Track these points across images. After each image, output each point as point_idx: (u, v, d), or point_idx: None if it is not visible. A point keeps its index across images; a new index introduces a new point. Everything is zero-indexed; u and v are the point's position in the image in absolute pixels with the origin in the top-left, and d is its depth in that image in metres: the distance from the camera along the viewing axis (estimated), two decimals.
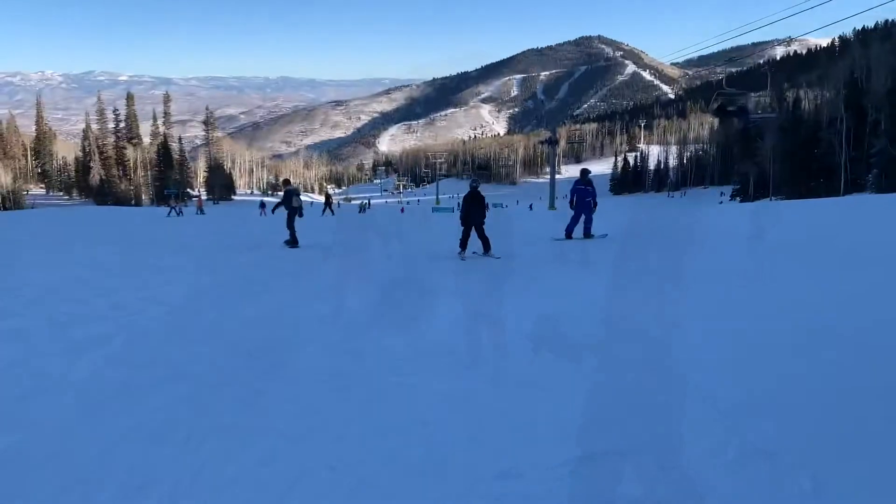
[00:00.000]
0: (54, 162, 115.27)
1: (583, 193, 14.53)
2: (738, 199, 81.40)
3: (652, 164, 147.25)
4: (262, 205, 47.49)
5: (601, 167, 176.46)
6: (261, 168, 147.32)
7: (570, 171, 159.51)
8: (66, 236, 22.27)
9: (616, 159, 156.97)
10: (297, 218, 15.37)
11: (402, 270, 11.41)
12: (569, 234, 14.65)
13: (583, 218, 14.71)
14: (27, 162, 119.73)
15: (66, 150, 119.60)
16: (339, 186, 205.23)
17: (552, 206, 49.22)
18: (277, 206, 15.64)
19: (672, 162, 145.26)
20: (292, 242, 15.13)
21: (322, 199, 66.20)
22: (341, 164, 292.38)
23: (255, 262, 13.18)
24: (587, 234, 14.87)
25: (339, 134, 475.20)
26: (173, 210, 42.60)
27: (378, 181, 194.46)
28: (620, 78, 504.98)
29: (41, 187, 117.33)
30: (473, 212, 11.96)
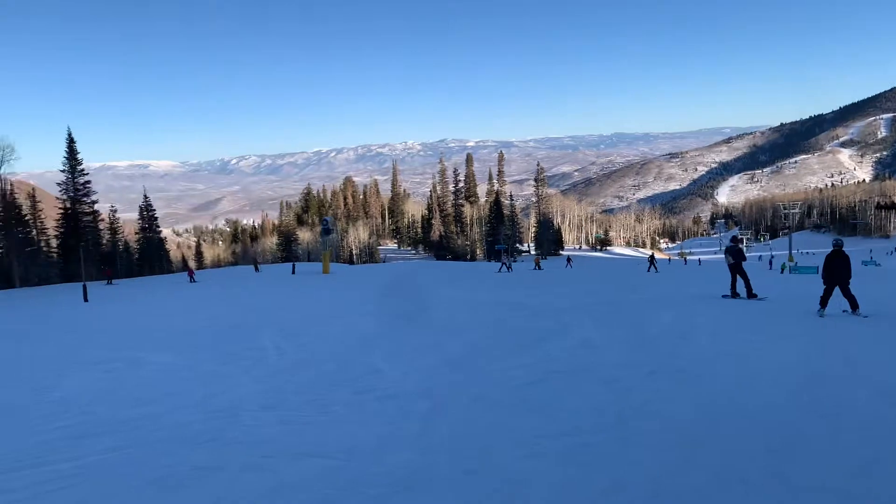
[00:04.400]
0: (405, 220, 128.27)
1: None
2: None
3: None
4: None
5: None
6: (589, 222, 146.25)
7: None
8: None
9: None
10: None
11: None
12: None
13: None
14: (384, 220, 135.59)
15: (415, 210, 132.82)
16: (671, 240, 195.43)
17: None
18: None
19: None
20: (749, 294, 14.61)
21: (648, 253, 60.96)
22: (675, 216, 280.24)
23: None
24: None
25: (673, 186, 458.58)
26: (504, 265, 42.86)
27: (716, 234, 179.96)
28: None
29: (394, 243, 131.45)
30: (837, 270, 11.52)
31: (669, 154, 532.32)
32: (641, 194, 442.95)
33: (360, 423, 5.60)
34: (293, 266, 50.93)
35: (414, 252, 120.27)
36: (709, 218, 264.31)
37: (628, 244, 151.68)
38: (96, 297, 29.94)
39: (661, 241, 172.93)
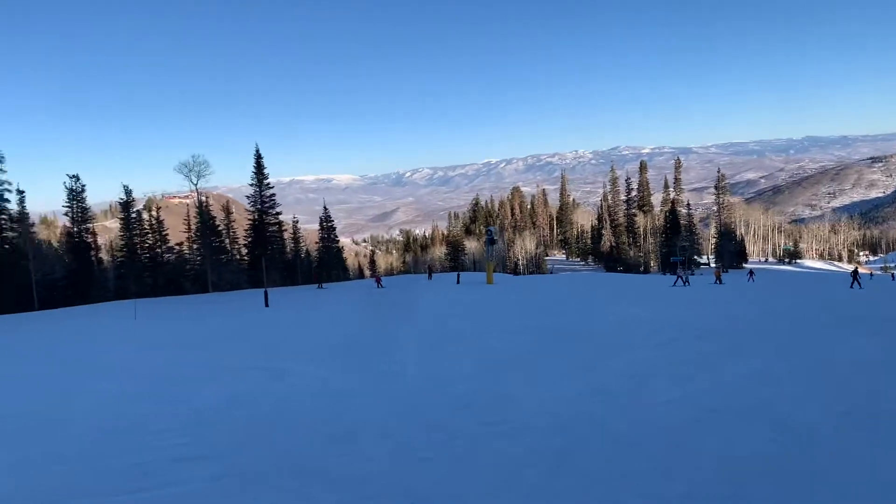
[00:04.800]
0: (574, 230, 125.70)
1: None
2: None
3: None
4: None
5: None
6: (776, 233, 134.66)
7: None
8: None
9: None
10: None
11: None
12: None
13: None
14: (551, 231, 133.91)
15: (584, 220, 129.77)
16: (873, 253, 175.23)
17: None
18: None
19: None
20: None
21: (851, 268, 54.14)
22: (877, 227, 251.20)
23: None
24: None
25: (875, 194, 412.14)
26: (679, 279, 39.96)
27: None
28: None
29: (562, 253, 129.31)
30: None
31: (871, 158, 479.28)
32: (837, 202, 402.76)
33: (475, 465, 4.76)
34: (458, 276, 51.16)
35: (583, 263, 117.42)
36: None
37: (821, 257, 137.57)
38: (277, 303, 31.73)
39: (861, 253, 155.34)
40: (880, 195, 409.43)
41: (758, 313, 16.68)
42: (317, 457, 5.31)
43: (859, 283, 38.12)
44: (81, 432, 6.52)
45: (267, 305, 30.46)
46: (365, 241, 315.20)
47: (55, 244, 57.10)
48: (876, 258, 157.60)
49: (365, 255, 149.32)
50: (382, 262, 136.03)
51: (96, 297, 50.58)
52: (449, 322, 17.22)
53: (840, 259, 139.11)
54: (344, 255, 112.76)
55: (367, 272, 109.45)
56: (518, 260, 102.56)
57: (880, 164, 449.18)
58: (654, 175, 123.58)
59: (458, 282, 46.68)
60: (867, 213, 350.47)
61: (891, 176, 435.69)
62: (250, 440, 5.88)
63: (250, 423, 6.52)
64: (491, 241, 52.66)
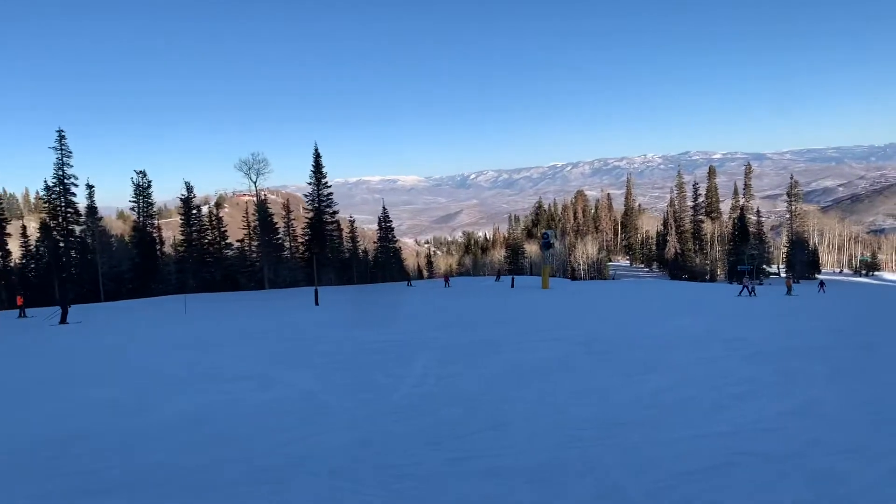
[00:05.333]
0: (638, 236, 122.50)
1: None
2: None
3: None
4: None
5: None
6: (853, 244, 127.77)
7: None
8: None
9: None
10: None
11: None
12: None
13: None
14: (615, 236, 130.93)
15: (649, 225, 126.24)
16: None
17: None
18: None
19: None
20: None
21: None
22: None
23: None
24: None
25: None
26: (745, 289, 37.93)
27: None
28: None
29: (626, 259, 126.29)
30: None
31: None
32: None
33: None
34: (512, 279, 50.11)
35: (647, 270, 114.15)
36: None
37: None
38: (328, 302, 31.48)
39: None
40: None
41: (822, 331, 15.00)
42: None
43: None
44: None
45: (317, 304, 30.20)
46: (427, 242, 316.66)
47: (126, 238, 58.68)
48: None
49: (425, 256, 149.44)
50: (442, 263, 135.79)
51: (158, 291, 51.73)
52: (481, 328, 16.23)
53: None
54: (403, 256, 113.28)
55: (426, 273, 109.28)
56: (579, 265, 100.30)
57: None
58: (725, 181, 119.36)
59: (512, 286, 45.77)
60: None
61: None
62: (167, 471, 5.04)
63: (183, 449, 5.66)
64: (547, 245, 51.42)
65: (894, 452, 4.88)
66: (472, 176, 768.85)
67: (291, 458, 5.25)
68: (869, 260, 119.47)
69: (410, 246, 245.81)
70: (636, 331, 14.74)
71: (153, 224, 58.11)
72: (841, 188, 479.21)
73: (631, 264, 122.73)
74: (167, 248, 61.87)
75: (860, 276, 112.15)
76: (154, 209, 58.60)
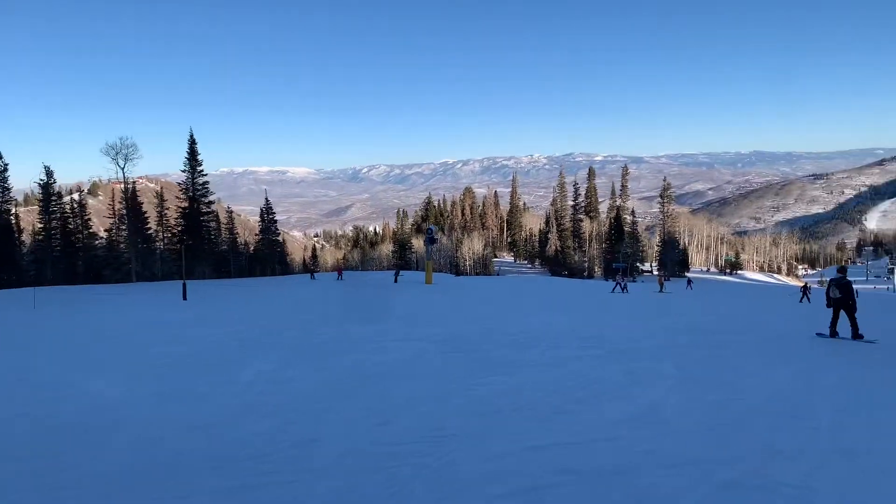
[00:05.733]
0: (522, 233, 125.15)
1: None
2: None
3: None
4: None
5: None
6: (720, 244, 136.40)
7: None
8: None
9: None
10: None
11: None
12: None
13: None
14: (501, 233, 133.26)
15: (533, 223, 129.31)
16: (811, 267, 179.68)
17: None
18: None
19: None
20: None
21: (791, 281, 53.99)
22: (817, 242, 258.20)
23: None
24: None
25: (816, 210, 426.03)
26: (619, 285, 39.16)
27: (863, 262, 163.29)
28: None
29: (511, 255, 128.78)
30: None
31: (813, 175, 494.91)
32: (780, 216, 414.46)
33: None
34: (395, 274, 49.56)
35: (529, 266, 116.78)
36: (855, 245, 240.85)
37: (761, 269, 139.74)
38: (198, 297, 29.66)
39: (800, 267, 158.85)
40: (820, 211, 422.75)
41: (682, 329, 15.22)
42: None
43: (808, 298, 37.75)
44: None
45: (185, 299, 28.36)
46: (317, 235, 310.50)
47: None
48: (813, 272, 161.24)
49: (311, 249, 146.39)
50: (329, 257, 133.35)
51: (13, 283, 47.25)
52: (347, 323, 15.48)
53: (779, 271, 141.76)
54: (289, 250, 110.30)
55: (311, 267, 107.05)
56: (465, 260, 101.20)
57: (822, 182, 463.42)
58: (605, 182, 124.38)
59: (395, 280, 45.21)
60: (808, 227, 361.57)
61: (831, 193, 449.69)
62: None
63: None
64: (431, 241, 51.10)
65: (727, 464, 4.58)
66: (365, 170, 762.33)
67: (42, 490, 4.35)
68: (733, 259, 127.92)
69: (299, 239, 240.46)
70: (500, 328, 14.42)
71: (9, 211, 52.98)
72: (710, 192, 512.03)
73: (515, 261, 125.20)
74: (26, 237, 56.78)
75: (725, 274, 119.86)
76: (11, 194, 53.42)
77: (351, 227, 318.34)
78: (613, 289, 40.16)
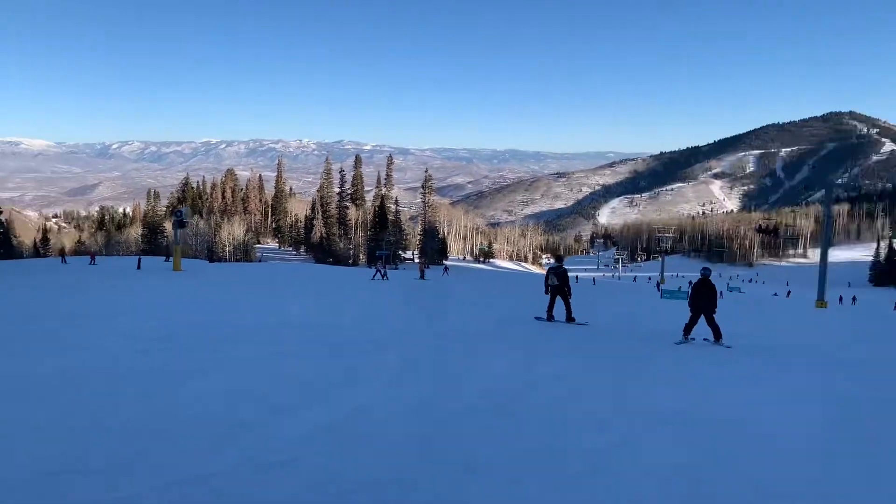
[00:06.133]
0: (287, 219, 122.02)
1: None
2: None
3: None
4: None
5: (857, 253, 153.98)
6: (476, 234, 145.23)
7: (817, 257, 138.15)
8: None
9: (878, 245, 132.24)
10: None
11: None
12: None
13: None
14: (266, 218, 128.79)
15: (299, 209, 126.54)
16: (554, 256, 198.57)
17: (822, 301, 34.94)
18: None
19: None
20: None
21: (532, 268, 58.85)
22: (559, 234, 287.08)
23: None
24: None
25: (559, 205, 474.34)
26: (378, 272, 38.52)
27: (595, 253, 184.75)
28: (875, 157, 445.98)
29: (276, 242, 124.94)
30: (704, 300, 11.36)
31: (557, 173, 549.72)
32: (529, 210, 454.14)
33: None
34: (139, 260, 45.12)
35: (295, 253, 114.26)
36: (589, 237, 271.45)
37: (511, 258, 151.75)
38: None
39: (544, 256, 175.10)
40: (563, 206, 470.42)
41: (418, 317, 15.18)
42: None
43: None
44: None
45: None
46: (56, 216, 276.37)
47: None
48: (555, 261, 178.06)
49: (51, 231, 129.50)
50: (68, 240, 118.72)
51: None
52: (46, 320, 13.15)
53: (526, 260, 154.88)
54: (17, 231, 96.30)
55: (41, 251, 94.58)
56: (225, 246, 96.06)
57: (564, 180, 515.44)
58: (373, 171, 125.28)
59: (138, 267, 41.13)
60: (552, 221, 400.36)
61: (571, 190, 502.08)
62: None
63: None
64: (180, 224, 47.09)
65: (432, 484, 4.03)
66: (115, 146, 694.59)
67: None
68: (487, 249, 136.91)
69: (33, 219, 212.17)
70: (227, 320, 13.13)
71: None
72: (470, 185, 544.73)
73: (280, 247, 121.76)
74: None
75: (479, 262, 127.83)
76: None
77: (97, 208, 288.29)
78: (374, 276, 39.99)
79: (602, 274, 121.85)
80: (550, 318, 13.49)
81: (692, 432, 5.40)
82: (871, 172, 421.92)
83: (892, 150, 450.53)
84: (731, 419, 5.91)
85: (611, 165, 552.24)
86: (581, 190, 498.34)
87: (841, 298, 59.52)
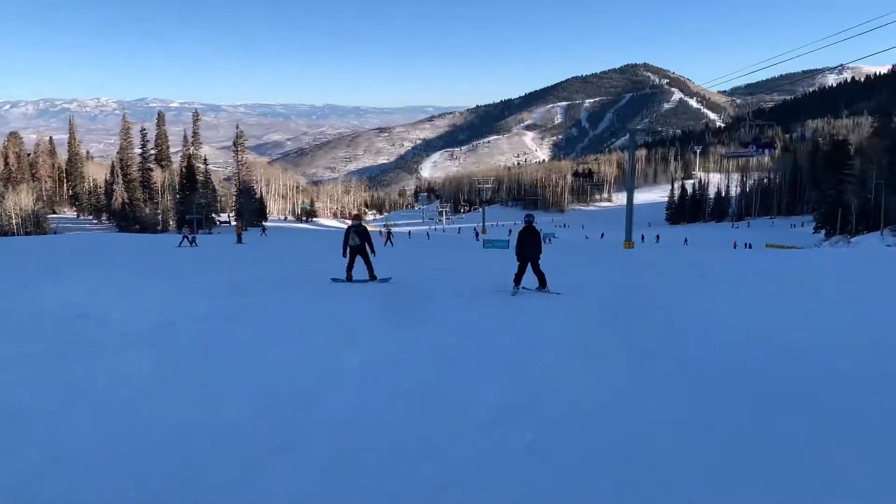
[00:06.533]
0: (85, 185, 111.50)
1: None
2: (823, 231, 71.28)
3: (711, 193, 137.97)
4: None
5: (654, 195, 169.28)
6: (297, 193, 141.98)
7: (620, 200, 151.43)
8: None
9: (672, 187, 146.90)
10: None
11: None
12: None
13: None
14: (61, 185, 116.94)
15: (99, 174, 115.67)
16: (379, 212, 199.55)
17: (629, 241, 38.11)
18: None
19: (734, 190, 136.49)
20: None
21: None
22: (384, 189, 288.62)
23: None
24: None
25: (382, 160, 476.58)
26: (186, 239, 35.24)
27: (419, 207, 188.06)
28: (667, 105, 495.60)
29: (74, 211, 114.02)
30: (529, 246, 11.30)
31: (378, 129, 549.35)
32: (352, 167, 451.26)
33: None
34: None
35: (96, 222, 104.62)
36: (413, 192, 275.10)
37: (335, 215, 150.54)
38: None
39: (369, 213, 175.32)
40: (385, 161, 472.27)
41: (226, 287, 13.48)
42: None
43: (391, 242, 40.32)
44: None
45: None
46: None
47: None
48: (381, 217, 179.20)
49: None
50: None
51: None
52: None
53: (350, 217, 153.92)
54: None
55: None
56: (11, 218, 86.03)
57: (386, 135, 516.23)
58: (181, 130, 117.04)
59: None
60: (375, 177, 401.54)
61: (393, 145, 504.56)
62: None
63: None
64: None
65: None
66: None
67: None
68: (308, 207, 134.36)
69: None
70: None
71: None
72: (289, 142, 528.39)
73: (78, 216, 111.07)
74: None
75: (301, 221, 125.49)
76: None
77: None
78: (180, 243, 36.93)
79: (434, 227, 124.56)
80: (350, 278, 13.22)
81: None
82: (664, 120, 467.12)
83: (681, 99, 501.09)
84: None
85: (430, 119, 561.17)
86: (403, 145, 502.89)
87: (643, 237, 65.99)
